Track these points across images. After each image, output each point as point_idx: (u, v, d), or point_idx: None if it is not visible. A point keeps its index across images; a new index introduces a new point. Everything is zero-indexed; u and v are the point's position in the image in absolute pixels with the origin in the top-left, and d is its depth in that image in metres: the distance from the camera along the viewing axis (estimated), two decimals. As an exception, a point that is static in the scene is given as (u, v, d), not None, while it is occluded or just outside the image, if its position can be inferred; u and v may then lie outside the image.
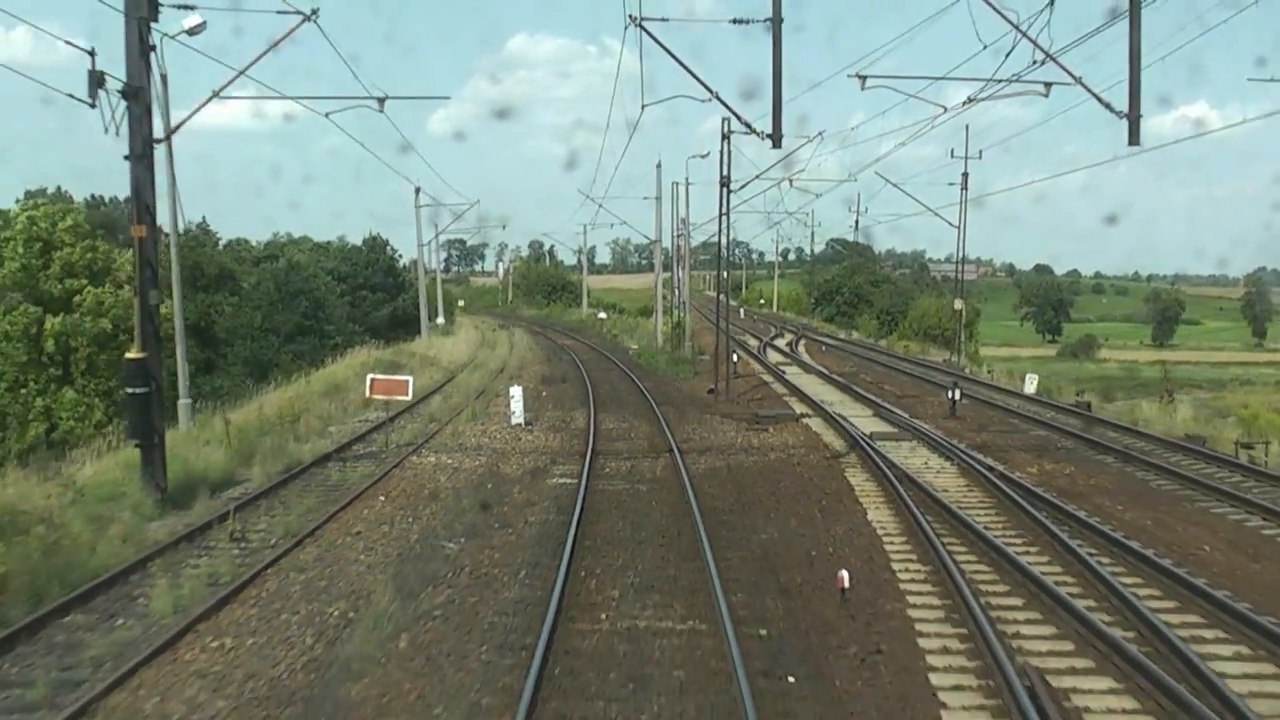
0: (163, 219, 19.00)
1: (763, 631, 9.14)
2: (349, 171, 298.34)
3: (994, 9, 14.95)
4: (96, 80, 13.60)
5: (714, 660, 8.43)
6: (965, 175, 42.48)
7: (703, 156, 64.74)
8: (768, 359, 41.64)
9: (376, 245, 70.69)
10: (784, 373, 35.20)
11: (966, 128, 43.06)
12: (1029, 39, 15.04)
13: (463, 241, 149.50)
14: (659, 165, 47.94)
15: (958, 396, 24.26)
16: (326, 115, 18.91)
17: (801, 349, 49.33)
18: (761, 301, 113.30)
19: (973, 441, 19.93)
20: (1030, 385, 32.10)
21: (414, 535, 12.78)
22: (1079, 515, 13.45)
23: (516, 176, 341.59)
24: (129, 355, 14.90)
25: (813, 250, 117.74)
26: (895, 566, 11.30)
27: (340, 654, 8.62)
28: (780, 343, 52.80)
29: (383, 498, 14.97)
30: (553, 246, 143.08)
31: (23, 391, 34.81)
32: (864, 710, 7.61)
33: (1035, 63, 15.17)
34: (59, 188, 70.57)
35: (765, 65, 16.94)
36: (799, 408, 25.98)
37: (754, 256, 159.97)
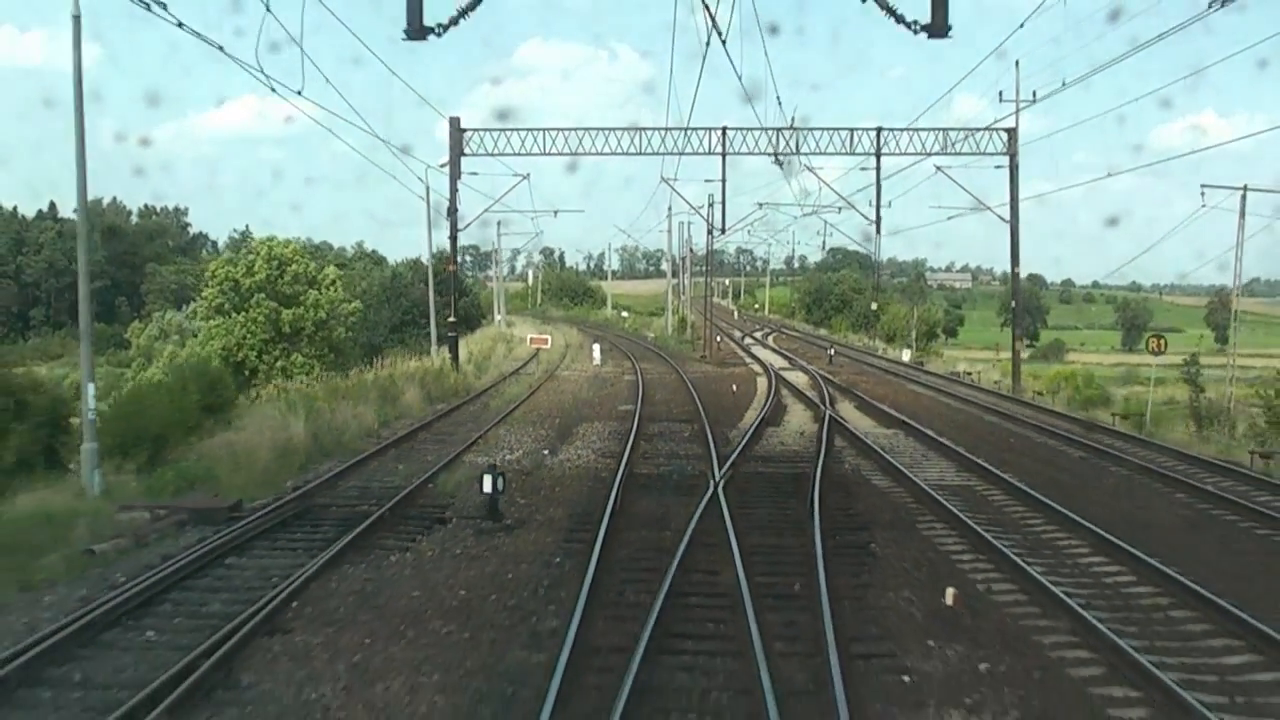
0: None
1: (706, 402, 29.25)
2: (349, 175, 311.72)
3: (814, 174, 35.17)
4: (448, 209, 33.82)
5: (689, 400, 28.56)
6: (879, 219, 62.44)
7: (699, 207, 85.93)
8: (743, 343, 61.74)
9: (444, 258, 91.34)
10: (750, 348, 55.39)
11: (879, 184, 63.65)
12: (831, 188, 35.28)
13: (477, 247, 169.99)
14: (669, 208, 68.09)
15: (833, 353, 44.46)
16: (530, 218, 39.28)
17: (770, 339, 69.45)
18: (756, 306, 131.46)
19: (829, 371, 39.95)
20: (905, 355, 52.38)
21: (583, 385, 33.01)
22: (845, 387, 33.47)
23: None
24: (449, 319, 35.09)
25: (794, 260, 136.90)
26: (757, 392, 31.52)
27: (580, 396, 28.98)
28: (758, 334, 72.96)
29: (555, 381, 35.22)
30: (563, 253, 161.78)
31: (267, 356, 55.08)
32: (728, 406, 27.69)
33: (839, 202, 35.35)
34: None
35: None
36: (749, 361, 46.18)
37: (758, 264, 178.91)
